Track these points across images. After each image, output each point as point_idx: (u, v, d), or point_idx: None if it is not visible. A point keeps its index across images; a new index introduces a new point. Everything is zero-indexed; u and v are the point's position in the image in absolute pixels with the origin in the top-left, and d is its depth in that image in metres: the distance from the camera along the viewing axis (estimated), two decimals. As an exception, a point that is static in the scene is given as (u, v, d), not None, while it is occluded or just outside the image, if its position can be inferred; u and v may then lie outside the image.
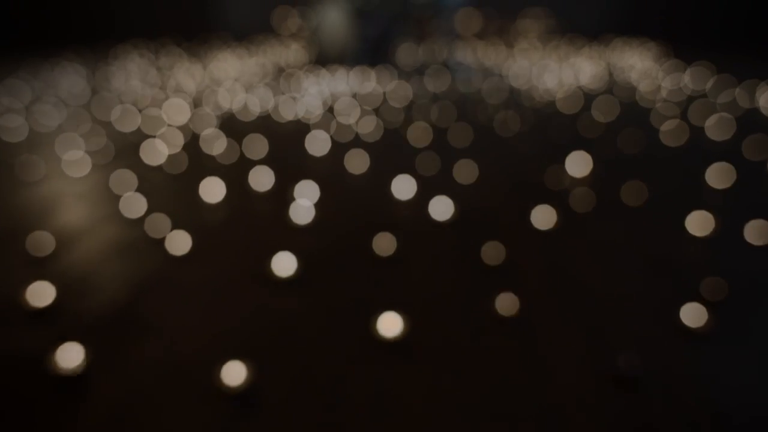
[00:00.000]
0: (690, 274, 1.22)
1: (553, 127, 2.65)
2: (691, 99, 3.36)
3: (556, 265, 1.26)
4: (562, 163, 2.02)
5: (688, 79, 4.10)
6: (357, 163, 2.05)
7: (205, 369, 0.91)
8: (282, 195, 1.74)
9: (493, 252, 1.30)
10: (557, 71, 4.57)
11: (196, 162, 2.16)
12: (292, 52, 6.36)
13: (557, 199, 1.69)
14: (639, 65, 5.04)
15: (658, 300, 1.11)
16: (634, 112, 2.97)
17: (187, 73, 4.42)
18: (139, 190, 1.83)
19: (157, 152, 2.24)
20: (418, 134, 2.47)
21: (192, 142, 2.46)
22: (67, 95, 3.59)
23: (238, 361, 0.93)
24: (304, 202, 1.64)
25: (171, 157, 2.21)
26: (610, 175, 1.93)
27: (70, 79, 4.21)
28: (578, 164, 1.97)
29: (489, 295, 1.13)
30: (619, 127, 2.66)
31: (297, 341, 0.99)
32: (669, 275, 1.22)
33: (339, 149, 2.31)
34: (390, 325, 0.98)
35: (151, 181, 1.93)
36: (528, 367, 0.91)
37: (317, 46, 5.00)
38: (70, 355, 0.90)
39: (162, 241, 1.42)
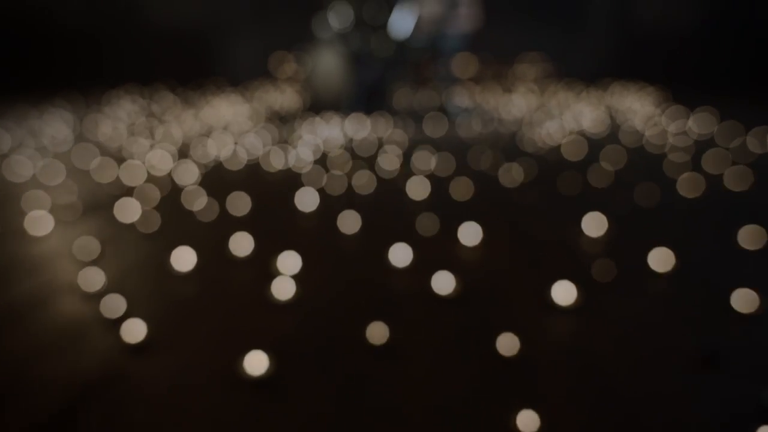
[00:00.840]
0: (743, 368, 1.02)
1: (559, 176, 2.48)
2: (700, 145, 3.22)
3: (580, 356, 1.06)
4: (577, 222, 1.84)
5: (694, 125, 3.97)
6: (349, 222, 1.87)
7: None
8: (263, 262, 1.55)
9: (506, 343, 1.09)
10: (558, 116, 4.45)
11: (172, 219, 1.97)
12: (287, 97, 6.28)
13: (574, 263, 1.49)
14: (640, 110, 4.93)
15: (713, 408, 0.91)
16: (643, 160, 2.81)
17: (177, 120, 4.29)
18: (103, 254, 1.63)
19: (131, 208, 2.06)
20: (416, 187, 2.29)
21: (172, 195, 2.28)
22: (49, 143, 3.43)
23: None
24: (286, 277, 1.45)
25: (145, 214, 2.02)
26: (629, 234, 1.75)
27: (54, 127, 4.06)
28: (593, 223, 1.79)
29: (504, 404, 0.93)
30: (630, 176, 2.50)
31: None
32: (717, 372, 1.01)
33: (330, 204, 2.13)
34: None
35: (119, 241, 1.73)
36: None
37: (311, 91, 4.89)
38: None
39: (118, 323, 1.21)
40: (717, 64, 10.37)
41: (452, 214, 1.95)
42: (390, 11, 4.73)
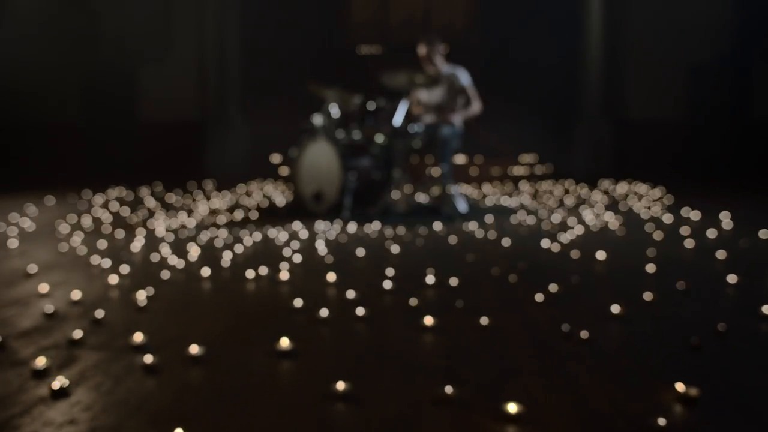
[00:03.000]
0: None
1: (591, 288, 1.98)
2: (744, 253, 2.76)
3: None
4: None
5: (724, 226, 3.55)
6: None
7: None
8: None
9: None
10: (566, 215, 4.03)
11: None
12: (278, 195, 5.87)
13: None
14: (654, 212, 4.54)
15: None
16: (683, 270, 2.33)
17: (140, 234, 3.81)
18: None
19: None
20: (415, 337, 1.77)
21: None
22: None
23: None
24: None
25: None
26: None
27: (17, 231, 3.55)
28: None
29: None
30: (680, 294, 1.99)
31: None
32: None
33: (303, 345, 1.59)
34: None
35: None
36: None
37: (298, 188, 4.47)
38: None
39: None
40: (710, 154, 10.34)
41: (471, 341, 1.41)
42: (384, 102, 4.44)
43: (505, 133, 9.90)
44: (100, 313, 1.70)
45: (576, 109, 10.18)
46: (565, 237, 3.22)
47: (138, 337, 1.46)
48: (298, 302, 1.83)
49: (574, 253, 2.73)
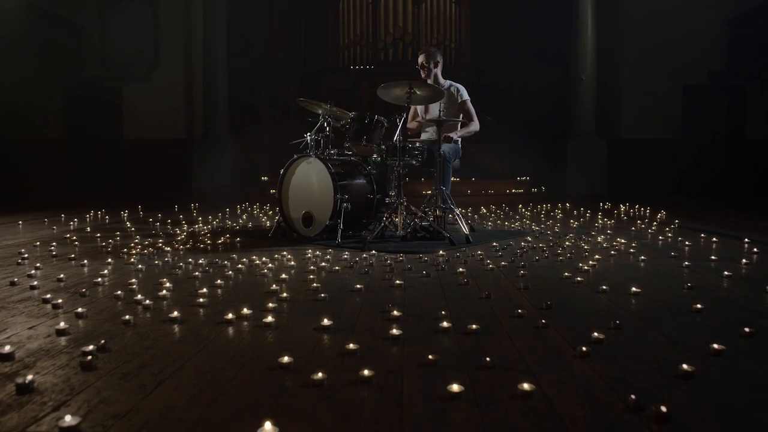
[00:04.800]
0: None
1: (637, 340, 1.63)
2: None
3: None
4: None
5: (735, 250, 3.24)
6: None
7: None
8: None
9: None
10: (576, 240, 3.71)
11: None
12: (265, 218, 5.50)
13: None
14: (666, 235, 4.24)
15: None
16: (734, 307, 1.99)
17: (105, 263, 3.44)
18: None
19: None
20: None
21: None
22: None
23: None
24: None
25: None
26: None
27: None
28: None
29: None
30: (744, 341, 1.65)
31: None
32: None
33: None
34: None
35: None
36: None
37: (287, 210, 4.11)
38: None
39: None
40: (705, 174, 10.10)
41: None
42: (379, 117, 4.10)
43: (499, 154, 9.63)
44: (29, 375, 1.32)
45: (569, 130, 9.94)
46: (585, 265, 2.88)
47: (68, 418, 1.08)
48: (286, 356, 1.46)
49: (601, 285, 2.39)
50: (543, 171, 9.94)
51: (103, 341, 1.60)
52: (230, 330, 1.81)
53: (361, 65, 10.47)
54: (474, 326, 1.76)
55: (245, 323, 1.88)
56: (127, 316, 1.87)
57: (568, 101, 10.12)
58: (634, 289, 2.31)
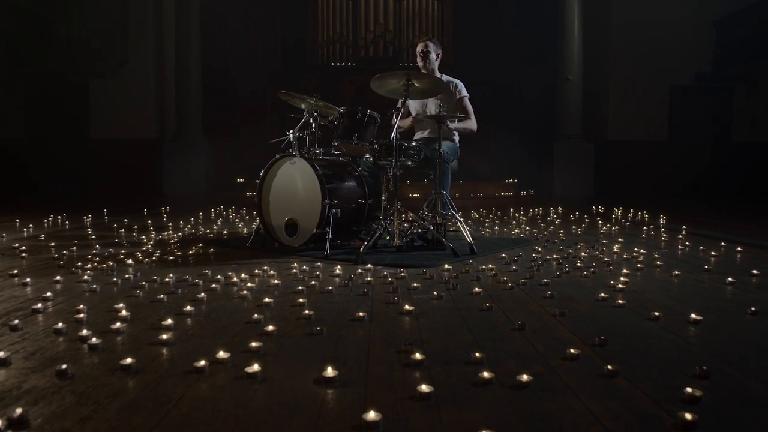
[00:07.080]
0: None
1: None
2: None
3: None
4: None
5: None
6: None
7: None
8: None
9: None
10: (591, 249, 3.34)
11: None
12: (243, 225, 5.02)
13: None
14: (684, 244, 3.90)
15: None
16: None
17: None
18: None
19: None
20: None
21: None
22: None
23: None
24: None
25: None
26: None
27: None
28: None
29: None
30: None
31: None
32: None
33: None
34: None
35: None
36: None
37: (268, 217, 3.64)
38: None
39: None
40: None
41: None
42: (370, 113, 3.67)
43: (486, 156, 9.28)
44: None
45: (556, 132, 9.63)
46: (617, 283, 2.49)
47: None
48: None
49: (650, 310, 2.00)
50: (529, 173, 9.62)
51: (19, 411, 1.15)
52: (203, 386, 1.36)
53: (341, 62, 10.01)
54: (525, 377, 1.35)
55: (222, 374, 1.43)
56: (64, 365, 1.41)
57: (554, 102, 9.83)
58: (693, 316, 1.92)
